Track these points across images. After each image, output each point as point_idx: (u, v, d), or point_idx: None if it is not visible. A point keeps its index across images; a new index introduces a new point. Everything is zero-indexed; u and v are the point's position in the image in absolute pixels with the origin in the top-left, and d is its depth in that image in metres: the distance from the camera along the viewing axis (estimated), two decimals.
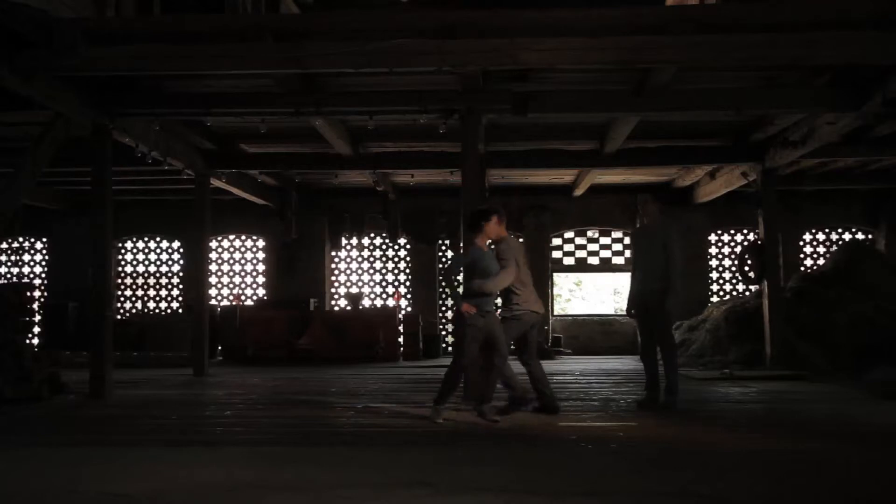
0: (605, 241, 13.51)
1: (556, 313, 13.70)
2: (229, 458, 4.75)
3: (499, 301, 6.53)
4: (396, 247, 13.47)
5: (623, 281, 15.34)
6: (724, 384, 8.29)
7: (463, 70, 6.53)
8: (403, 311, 12.74)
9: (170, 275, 13.67)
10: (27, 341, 8.76)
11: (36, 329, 12.65)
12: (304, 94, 7.37)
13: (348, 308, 12.70)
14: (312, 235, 13.12)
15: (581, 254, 13.51)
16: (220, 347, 12.07)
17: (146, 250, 13.71)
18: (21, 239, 13.57)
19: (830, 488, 3.97)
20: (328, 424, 6.07)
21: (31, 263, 13.63)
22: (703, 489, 3.91)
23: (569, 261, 13.41)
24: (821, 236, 13.10)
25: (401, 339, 12.11)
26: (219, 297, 13.38)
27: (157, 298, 13.60)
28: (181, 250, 13.55)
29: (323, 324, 11.83)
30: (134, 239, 13.66)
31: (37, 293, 13.09)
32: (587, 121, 8.96)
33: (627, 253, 13.39)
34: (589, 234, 13.51)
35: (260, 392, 8.12)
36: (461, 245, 7.62)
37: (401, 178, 11.63)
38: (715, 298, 12.69)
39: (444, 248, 13.34)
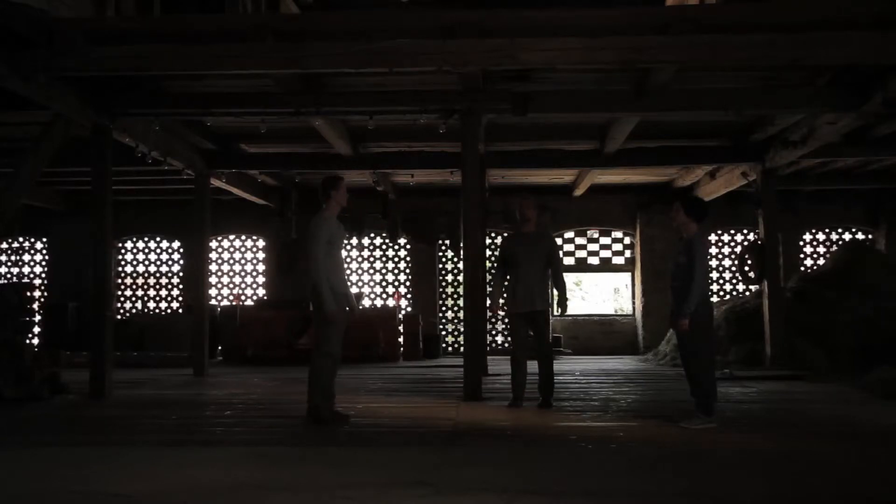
0: (605, 241, 13.52)
1: (555, 313, 13.68)
2: (229, 458, 4.75)
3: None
4: (396, 247, 13.47)
5: (624, 280, 15.33)
6: (724, 384, 8.27)
7: (463, 70, 6.53)
8: (403, 311, 12.74)
9: (170, 275, 13.67)
10: (27, 341, 8.75)
11: (36, 329, 12.66)
12: (304, 94, 7.37)
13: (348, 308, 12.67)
14: None
15: (581, 254, 13.51)
16: (220, 347, 12.06)
17: (146, 250, 13.70)
18: (21, 239, 13.57)
19: (830, 488, 3.97)
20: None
21: (31, 263, 13.63)
22: (703, 489, 3.91)
23: (569, 261, 13.40)
24: (821, 236, 13.10)
25: (401, 339, 12.12)
26: (219, 297, 13.38)
27: (157, 298, 13.60)
28: (181, 250, 13.56)
29: None
30: (134, 239, 13.65)
31: (37, 293, 13.10)
32: (587, 121, 8.97)
33: (628, 253, 13.41)
34: (589, 234, 13.51)
35: (260, 392, 8.12)
36: (461, 245, 7.62)
37: (401, 178, 11.63)
38: (715, 298, 12.69)
39: (444, 248, 13.34)
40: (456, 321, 13.27)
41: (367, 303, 13.24)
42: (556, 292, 6.81)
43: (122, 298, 13.50)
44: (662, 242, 12.50)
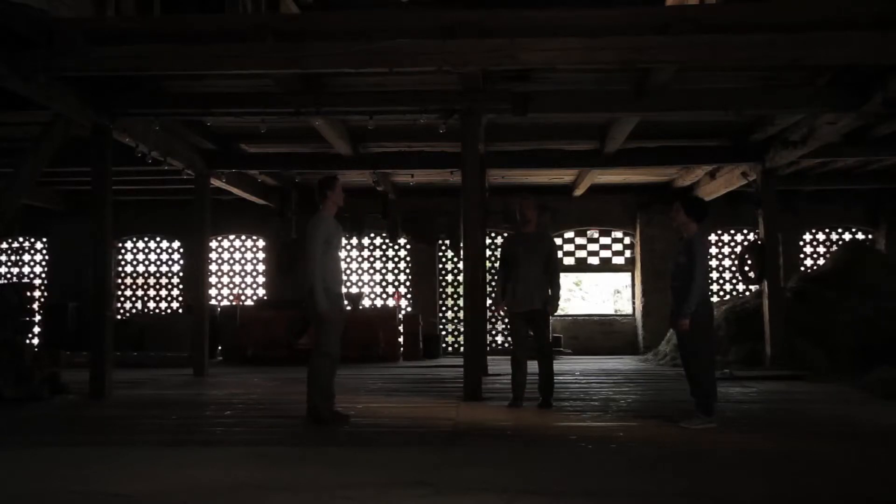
0: (605, 241, 13.52)
1: (556, 313, 13.70)
2: (229, 458, 4.75)
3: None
4: (396, 247, 13.47)
5: (624, 281, 15.33)
6: (724, 384, 8.27)
7: (463, 70, 6.53)
8: (403, 311, 12.74)
9: (170, 275, 13.67)
10: (27, 341, 8.76)
11: (36, 329, 12.66)
12: (304, 94, 7.37)
13: (348, 308, 12.68)
14: None
15: (581, 254, 13.51)
16: (220, 347, 12.06)
17: (146, 250, 13.70)
18: (21, 239, 13.57)
19: (830, 487, 3.97)
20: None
21: (31, 263, 13.63)
22: (703, 489, 3.91)
23: (569, 261, 13.41)
24: (821, 236, 13.10)
25: (401, 339, 12.11)
26: (219, 297, 13.38)
27: (157, 298, 13.60)
28: (181, 250, 13.56)
29: None
30: (134, 239, 13.65)
31: (37, 293, 13.10)
32: (587, 121, 8.97)
33: (628, 253, 13.41)
34: (589, 234, 13.51)
35: (260, 392, 8.12)
36: (461, 245, 7.62)
37: (401, 178, 11.62)
38: (715, 298, 12.69)
39: (444, 248, 13.34)
40: (456, 321, 13.27)
41: (367, 303, 13.24)
42: (549, 291, 6.82)
43: (122, 298, 13.50)
44: (662, 242, 12.50)
